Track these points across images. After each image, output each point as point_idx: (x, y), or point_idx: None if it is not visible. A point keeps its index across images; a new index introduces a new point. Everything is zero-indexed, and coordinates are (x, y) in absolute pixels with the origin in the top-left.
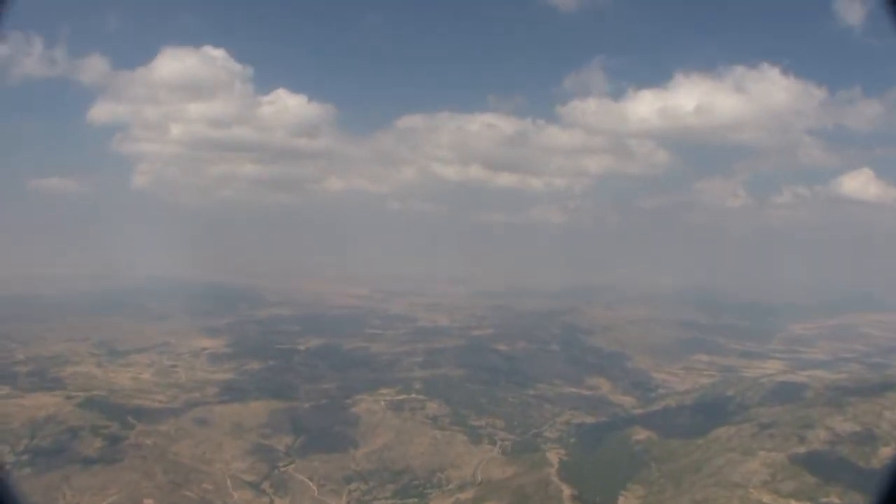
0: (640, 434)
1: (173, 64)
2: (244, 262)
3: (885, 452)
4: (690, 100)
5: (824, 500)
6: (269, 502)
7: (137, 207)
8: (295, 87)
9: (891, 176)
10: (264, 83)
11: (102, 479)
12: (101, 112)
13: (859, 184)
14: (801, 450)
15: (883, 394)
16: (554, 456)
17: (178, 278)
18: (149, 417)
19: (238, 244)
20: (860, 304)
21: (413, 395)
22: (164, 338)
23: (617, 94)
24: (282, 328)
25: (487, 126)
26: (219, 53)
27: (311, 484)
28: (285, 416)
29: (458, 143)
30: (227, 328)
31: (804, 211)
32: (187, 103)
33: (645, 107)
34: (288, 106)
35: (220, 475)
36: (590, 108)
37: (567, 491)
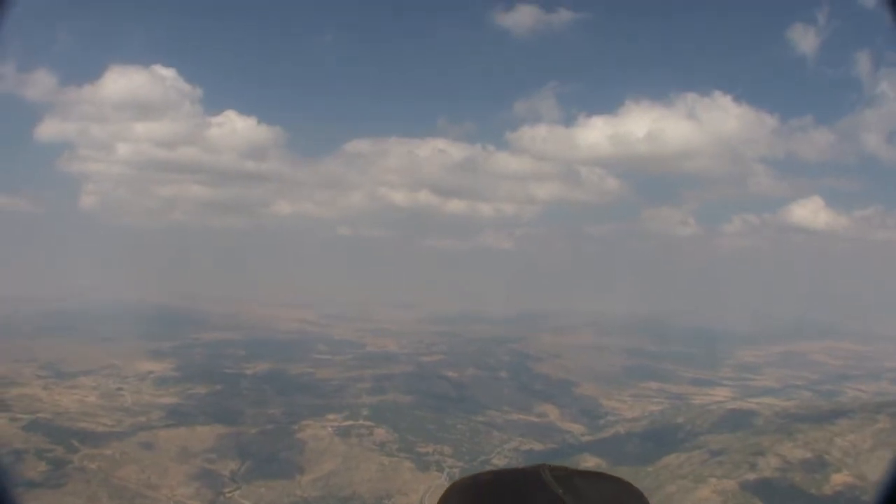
0: (589, 461)
1: (121, 82)
2: (192, 286)
3: (836, 479)
4: (641, 127)
5: None
6: None
7: (85, 228)
8: (244, 109)
9: (840, 205)
10: (213, 104)
11: (46, 503)
12: (48, 129)
13: (809, 212)
14: (752, 477)
15: (834, 421)
16: None
17: (125, 301)
18: (94, 441)
19: (186, 267)
20: (809, 332)
21: (360, 422)
22: (111, 360)
23: (568, 121)
24: (228, 352)
25: (437, 151)
26: (168, 73)
27: None
28: (231, 442)
29: (407, 169)
30: (173, 351)
31: (754, 239)
32: (134, 122)
33: (595, 133)
34: (237, 128)
35: (166, 501)
36: (540, 135)
37: None
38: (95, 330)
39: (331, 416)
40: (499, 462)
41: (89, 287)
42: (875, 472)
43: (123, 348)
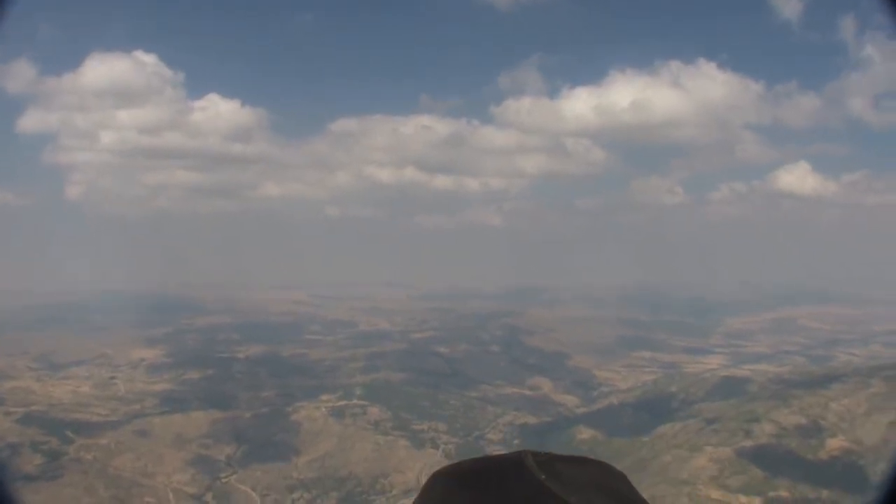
0: (584, 433)
1: (102, 69)
2: (182, 272)
3: (832, 444)
4: (626, 96)
5: (773, 493)
6: None
7: (73, 219)
8: (227, 92)
9: (828, 170)
10: (196, 88)
11: (43, 496)
12: (30, 121)
13: (796, 178)
14: (748, 444)
15: (828, 385)
16: None
17: (116, 290)
18: (88, 431)
19: (176, 253)
20: (799, 298)
21: (354, 401)
22: (103, 349)
23: (552, 93)
24: (221, 336)
25: (422, 128)
26: (150, 59)
27: (253, 494)
28: (226, 426)
29: (393, 146)
30: (165, 338)
31: (742, 207)
32: (117, 110)
33: (580, 104)
34: (220, 111)
35: (162, 488)
36: (524, 108)
37: None
38: (86, 320)
39: (325, 397)
40: (493, 437)
41: (79, 278)
42: (871, 437)
43: (115, 337)
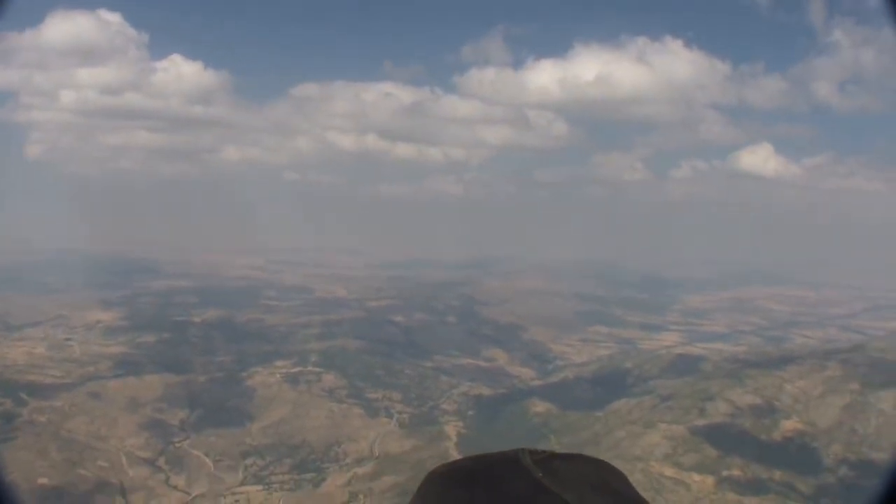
0: (539, 406)
1: (64, 27)
2: (141, 234)
3: (786, 425)
4: (590, 70)
5: (726, 473)
6: (165, 479)
7: (32, 179)
8: (190, 54)
9: (790, 152)
10: (159, 49)
11: None
12: None
13: (759, 159)
14: (702, 422)
15: (783, 367)
16: (452, 429)
17: (74, 251)
18: (42, 393)
19: (135, 215)
20: (757, 279)
21: (309, 368)
22: (59, 311)
23: (517, 64)
24: (177, 300)
25: (384, 95)
26: (114, 18)
27: (206, 460)
28: (180, 390)
29: (354, 113)
30: (122, 300)
31: (703, 185)
32: (78, 69)
33: (544, 77)
34: (183, 73)
35: (115, 452)
36: (488, 78)
37: None
38: (43, 281)
39: (280, 363)
40: (448, 407)
41: (37, 238)
42: (824, 419)
43: (72, 299)
